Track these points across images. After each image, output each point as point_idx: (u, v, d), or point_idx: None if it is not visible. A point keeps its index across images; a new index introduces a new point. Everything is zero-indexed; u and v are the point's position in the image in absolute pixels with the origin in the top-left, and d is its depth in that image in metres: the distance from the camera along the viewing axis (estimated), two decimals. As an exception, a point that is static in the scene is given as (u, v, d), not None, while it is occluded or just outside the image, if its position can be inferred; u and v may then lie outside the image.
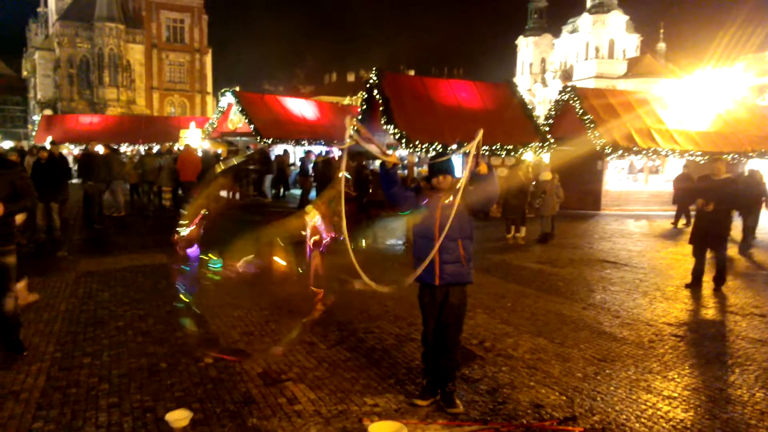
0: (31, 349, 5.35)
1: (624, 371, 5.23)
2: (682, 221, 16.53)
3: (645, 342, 6.13)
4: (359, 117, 23.22)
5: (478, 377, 4.98)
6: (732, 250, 12.36)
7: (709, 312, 7.58)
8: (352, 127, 4.27)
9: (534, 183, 14.45)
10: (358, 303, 7.34)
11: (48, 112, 51.61)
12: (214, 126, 30.01)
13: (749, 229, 12.73)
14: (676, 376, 5.17)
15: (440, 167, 4.36)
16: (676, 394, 4.75)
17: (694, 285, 8.56)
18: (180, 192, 17.65)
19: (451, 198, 4.22)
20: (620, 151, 20.63)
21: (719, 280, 8.60)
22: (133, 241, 11.72)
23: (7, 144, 34.29)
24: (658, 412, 4.39)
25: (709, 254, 8.63)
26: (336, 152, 25.19)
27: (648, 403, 4.55)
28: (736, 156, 21.61)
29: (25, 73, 73.27)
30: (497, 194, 4.46)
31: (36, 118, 48.64)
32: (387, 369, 5.13)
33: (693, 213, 9.59)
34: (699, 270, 8.57)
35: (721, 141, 22.07)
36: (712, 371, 5.32)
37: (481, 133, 4.25)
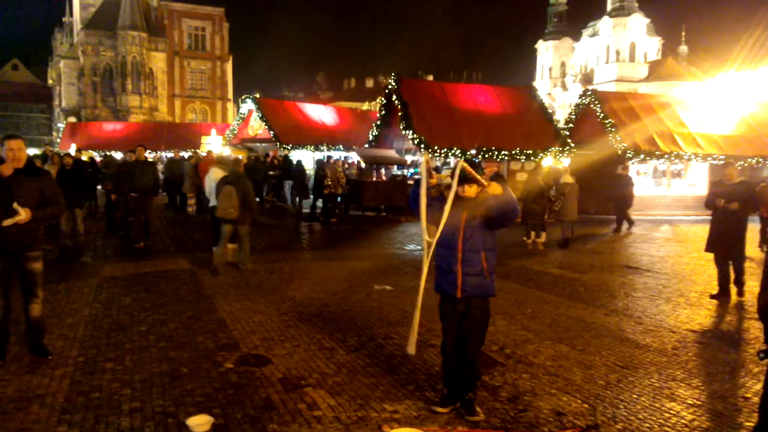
0: (56, 353, 5.42)
1: (647, 379, 5.15)
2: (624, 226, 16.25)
3: (668, 349, 6.05)
4: (378, 122, 23.31)
5: (499, 384, 4.95)
6: (757, 256, 12.16)
7: (734, 318, 7.45)
8: (428, 159, 4.27)
9: (554, 187, 14.36)
10: (377, 309, 7.34)
11: (72, 119, 52.42)
12: (235, 132, 30.30)
13: None
14: (700, 383, 5.10)
15: (465, 176, 4.23)
16: (700, 403, 4.68)
17: (722, 295, 8.20)
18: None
19: (473, 209, 4.15)
20: (642, 155, 20.43)
21: (740, 285, 8.29)
22: (156, 247, 11.82)
23: (32, 151, 34.91)
24: (682, 421, 4.32)
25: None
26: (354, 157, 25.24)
27: (672, 411, 4.48)
28: (761, 159, 21.28)
29: (50, 82, 74.59)
30: (516, 212, 4.24)
31: (60, 125, 49.46)
32: (406, 375, 5.11)
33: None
34: (725, 278, 8.27)
35: (745, 144, 21.75)
36: (737, 379, 5.23)
37: (461, 164, 4.10)
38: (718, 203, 7.98)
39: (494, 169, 16.70)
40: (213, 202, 9.96)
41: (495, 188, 4.16)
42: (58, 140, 40.02)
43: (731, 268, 8.33)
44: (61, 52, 68.66)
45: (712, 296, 8.30)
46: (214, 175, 10.00)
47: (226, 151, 26.25)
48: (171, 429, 4.05)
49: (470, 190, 4.25)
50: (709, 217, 8.57)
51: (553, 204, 14.15)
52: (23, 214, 4.92)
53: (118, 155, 26.68)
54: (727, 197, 7.91)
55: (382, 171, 22.91)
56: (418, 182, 4.28)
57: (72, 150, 26.37)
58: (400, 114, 20.43)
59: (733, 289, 8.39)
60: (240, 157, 14.96)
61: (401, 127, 20.22)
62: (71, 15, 69.79)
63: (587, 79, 76.52)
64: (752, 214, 9.62)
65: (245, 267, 9.64)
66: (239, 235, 9.56)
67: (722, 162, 20.07)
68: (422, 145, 19.14)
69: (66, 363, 5.22)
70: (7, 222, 4.88)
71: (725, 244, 8.14)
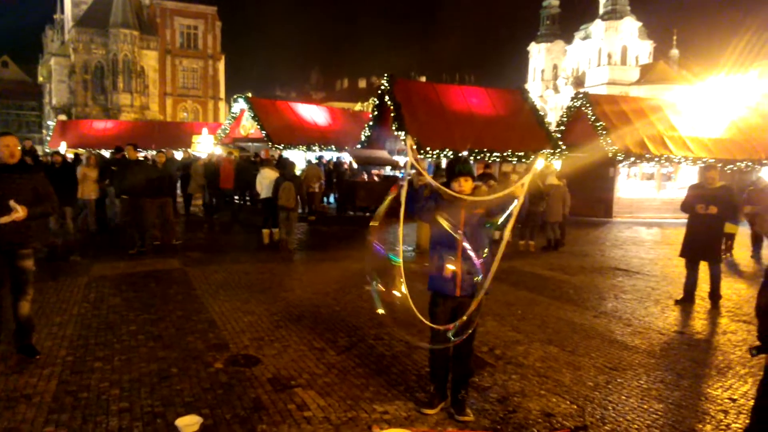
0: (44, 352, 5.38)
1: (636, 380, 5.18)
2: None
3: (657, 351, 6.09)
4: (370, 123, 23.28)
5: (489, 385, 4.96)
6: (745, 259, 12.25)
7: (722, 321, 7.50)
8: (411, 146, 4.21)
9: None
10: (368, 310, 7.33)
11: (62, 117, 52.11)
12: (227, 132, 30.19)
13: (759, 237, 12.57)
14: (688, 385, 5.13)
15: (461, 170, 4.22)
16: (687, 404, 4.71)
17: (687, 300, 8.08)
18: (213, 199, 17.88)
19: (478, 208, 4.08)
20: (632, 158, 20.54)
21: (716, 296, 8.08)
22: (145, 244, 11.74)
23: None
24: (670, 422, 4.35)
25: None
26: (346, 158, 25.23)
27: (660, 413, 4.51)
28: (750, 163, 21.45)
29: (41, 79, 74.12)
30: (521, 217, 4.26)
31: (51, 123, 49.11)
32: (397, 376, 5.12)
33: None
34: (692, 284, 8.10)
35: (735, 148, 21.92)
36: (724, 381, 5.26)
37: (539, 157, 4.04)
38: (698, 209, 7.72)
39: (482, 169, 16.66)
40: (264, 195, 12.64)
41: (519, 191, 4.00)
42: (48, 138, 39.72)
43: (706, 275, 8.16)
44: (52, 49, 68.26)
45: (677, 302, 8.15)
46: (267, 175, 12.63)
47: (218, 151, 26.19)
48: (160, 429, 4.04)
49: (466, 185, 4.22)
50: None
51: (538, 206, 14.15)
52: (21, 212, 4.90)
53: (107, 154, 26.50)
54: (706, 201, 7.69)
55: (374, 174, 22.89)
56: (410, 183, 4.21)
57: (62, 148, 26.24)
58: (392, 114, 20.46)
59: (702, 298, 8.26)
60: (292, 160, 16.04)
61: (394, 128, 20.24)
62: (63, 12, 69.40)
63: (579, 81, 76.89)
64: (735, 220, 9.65)
65: (292, 247, 11.64)
66: (290, 220, 11.65)
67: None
68: (404, 133, 19.11)
69: (54, 362, 5.19)
70: (4, 219, 4.86)
71: (700, 248, 7.95)
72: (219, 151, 26.71)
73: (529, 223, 12.84)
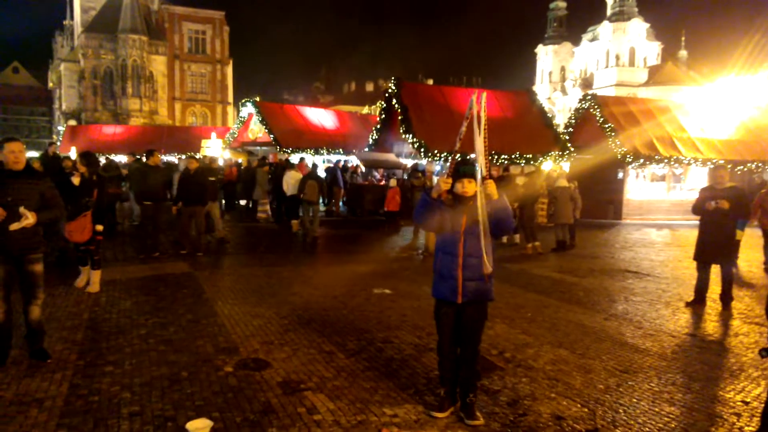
0: (55, 357, 5.41)
1: (647, 383, 5.15)
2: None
3: (668, 353, 6.05)
4: (378, 126, 23.27)
5: (498, 388, 4.94)
6: (757, 261, 12.15)
7: (734, 323, 7.45)
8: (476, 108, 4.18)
9: (548, 191, 14.38)
10: (377, 313, 7.34)
11: (72, 122, 52.51)
12: (235, 136, 30.31)
13: None
14: (699, 388, 5.09)
15: (465, 171, 4.18)
16: (699, 407, 4.67)
17: (698, 302, 8.01)
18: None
19: (477, 213, 4.07)
20: (641, 160, 20.44)
21: (727, 298, 8.01)
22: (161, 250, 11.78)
23: (32, 154, 34.89)
24: (682, 425, 4.32)
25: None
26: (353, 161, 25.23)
27: (671, 416, 4.48)
28: (761, 164, 21.30)
29: (50, 85, 74.78)
30: (511, 221, 4.28)
31: (61, 128, 49.45)
32: (406, 379, 5.11)
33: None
34: (703, 286, 8.04)
35: (744, 149, 21.77)
36: (736, 383, 5.22)
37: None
38: (709, 206, 7.62)
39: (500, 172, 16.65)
40: (290, 192, 15.09)
41: (491, 188, 4.08)
42: (59, 143, 39.98)
43: (717, 277, 8.09)
44: (61, 55, 68.85)
45: (688, 304, 8.10)
46: (293, 176, 15.34)
47: (227, 155, 26.28)
48: (170, 433, 4.05)
49: (470, 187, 4.18)
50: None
51: (548, 208, 14.17)
52: (30, 218, 4.94)
53: (118, 158, 26.67)
54: (716, 200, 7.61)
55: (376, 175, 22.84)
56: (428, 191, 4.27)
57: (72, 154, 26.41)
58: (400, 118, 20.48)
59: (714, 300, 8.18)
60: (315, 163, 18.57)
61: (401, 131, 20.25)
62: (72, 18, 69.95)
63: (587, 83, 76.67)
64: (748, 220, 9.56)
65: (314, 233, 13.49)
66: (314, 212, 13.72)
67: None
68: (422, 149, 19.11)
69: (65, 366, 5.22)
70: (15, 226, 4.90)
71: (712, 251, 7.86)
72: (228, 154, 26.80)
73: (526, 225, 12.81)
